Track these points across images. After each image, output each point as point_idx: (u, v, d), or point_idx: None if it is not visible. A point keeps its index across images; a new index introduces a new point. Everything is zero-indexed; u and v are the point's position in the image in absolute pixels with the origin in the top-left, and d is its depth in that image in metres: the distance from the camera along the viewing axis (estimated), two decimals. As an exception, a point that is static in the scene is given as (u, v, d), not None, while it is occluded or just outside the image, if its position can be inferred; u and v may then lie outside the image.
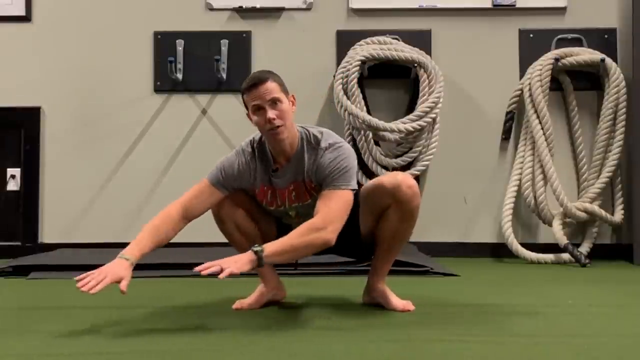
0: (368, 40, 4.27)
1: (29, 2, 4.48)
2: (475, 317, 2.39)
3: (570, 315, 2.45)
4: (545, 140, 4.16)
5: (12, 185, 4.47)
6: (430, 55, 4.30)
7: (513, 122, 4.36)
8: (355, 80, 4.12)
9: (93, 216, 4.43)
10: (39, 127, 4.45)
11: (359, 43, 4.26)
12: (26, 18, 4.48)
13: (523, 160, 4.24)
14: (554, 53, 4.27)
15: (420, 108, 4.11)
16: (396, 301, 2.49)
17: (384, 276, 2.52)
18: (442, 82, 4.14)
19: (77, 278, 2.09)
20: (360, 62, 4.14)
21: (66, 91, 4.47)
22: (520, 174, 4.24)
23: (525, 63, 4.35)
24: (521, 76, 4.35)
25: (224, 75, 4.37)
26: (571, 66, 4.26)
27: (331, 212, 2.22)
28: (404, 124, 4.08)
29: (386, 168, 4.16)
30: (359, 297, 2.62)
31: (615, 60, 4.27)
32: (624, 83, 4.18)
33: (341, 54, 4.33)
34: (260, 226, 2.46)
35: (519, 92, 4.30)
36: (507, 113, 4.35)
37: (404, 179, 2.36)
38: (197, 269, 2.06)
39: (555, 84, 4.31)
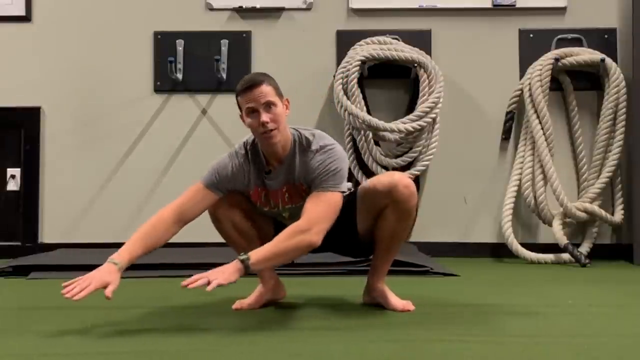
0: (368, 40, 4.27)
1: (29, 2, 4.48)
2: (475, 317, 2.39)
3: (570, 315, 2.45)
4: (545, 140, 4.16)
5: (12, 185, 4.47)
6: (430, 55, 4.30)
7: (513, 122, 4.36)
8: (355, 80, 4.12)
9: (93, 216, 4.43)
10: (39, 127, 4.45)
11: (359, 43, 4.26)
12: (26, 18, 4.48)
13: (523, 160, 4.24)
14: (554, 53, 4.27)
15: (420, 108, 4.11)
16: (396, 301, 2.49)
17: (383, 276, 2.52)
18: (442, 82, 4.14)
19: (64, 284, 2.10)
20: (360, 62, 4.14)
21: (66, 91, 4.47)
22: (520, 174, 4.24)
23: (525, 63, 4.35)
24: (521, 76, 4.35)
25: (224, 75, 4.37)
26: (571, 66, 4.26)
27: (317, 214, 2.22)
28: (404, 124, 4.08)
29: (386, 168, 4.16)
30: (359, 297, 2.62)
31: (615, 60, 4.27)
32: (624, 83, 4.18)
33: (341, 54, 4.33)
34: (257, 225, 2.46)
35: (519, 92, 4.30)
36: (507, 113, 4.35)
37: (401, 178, 2.36)
38: (184, 283, 2.05)
39: (555, 84, 4.31)
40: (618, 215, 4.21)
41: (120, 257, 2.19)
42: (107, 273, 2.14)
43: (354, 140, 4.22)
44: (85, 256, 3.83)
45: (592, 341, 2.02)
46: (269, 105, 2.27)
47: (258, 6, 4.44)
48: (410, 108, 4.24)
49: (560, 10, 4.43)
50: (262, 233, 2.44)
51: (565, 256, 4.07)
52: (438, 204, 4.38)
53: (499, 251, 4.31)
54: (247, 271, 2.13)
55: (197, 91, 4.45)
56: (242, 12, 4.47)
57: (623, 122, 4.16)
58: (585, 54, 4.25)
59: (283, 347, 1.95)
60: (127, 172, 4.44)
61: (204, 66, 4.40)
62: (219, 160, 2.39)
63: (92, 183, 4.44)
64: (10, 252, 4.18)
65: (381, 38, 4.29)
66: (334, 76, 4.20)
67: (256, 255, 2.15)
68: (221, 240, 2.52)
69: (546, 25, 4.41)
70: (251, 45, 4.45)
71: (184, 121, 4.45)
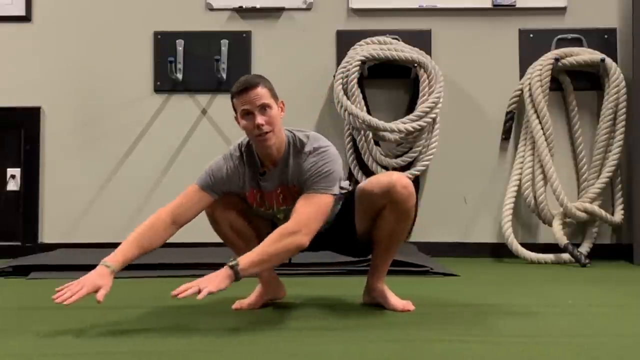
0: (368, 40, 4.27)
1: (29, 2, 4.48)
2: (475, 317, 2.39)
3: (570, 315, 2.45)
4: (545, 140, 4.16)
5: (12, 185, 4.47)
6: (430, 55, 4.30)
7: (513, 122, 4.36)
8: (355, 80, 4.12)
9: (93, 216, 4.43)
10: (39, 127, 4.45)
11: (359, 43, 4.27)
12: (26, 18, 4.48)
13: (523, 160, 4.24)
14: (554, 53, 4.27)
15: (420, 108, 4.11)
16: (396, 301, 2.49)
17: (383, 276, 2.52)
18: (442, 82, 4.14)
19: (56, 289, 2.10)
20: (360, 62, 4.14)
21: (66, 91, 4.47)
22: (520, 174, 4.24)
23: (525, 63, 4.35)
24: (521, 76, 4.35)
25: (224, 75, 4.37)
26: (571, 66, 4.26)
27: (306, 215, 2.22)
28: (404, 124, 4.08)
29: (386, 168, 4.16)
30: (359, 297, 2.62)
31: (615, 60, 4.27)
32: (624, 83, 4.18)
33: (341, 54, 4.33)
34: (254, 226, 2.46)
35: (519, 92, 4.30)
36: (507, 113, 4.35)
37: (399, 179, 2.36)
38: (174, 293, 2.04)
39: (555, 84, 4.31)
40: (618, 215, 4.21)
41: (113, 259, 2.19)
42: (99, 277, 2.14)
43: (354, 140, 4.22)
44: (85, 256, 3.83)
45: (592, 341, 2.02)
46: (264, 108, 2.27)
47: (258, 6, 4.44)
48: (410, 108, 4.24)
49: (560, 10, 4.43)
50: (259, 233, 2.44)
51: (565, 256, 4.07)
52: (438, 204, 4.38)
53: (499, 251, 4.31)
54: (238, 277, 2.11)
55: (197, 91, 4.45)
56: (242, 12, 4.47)
57: (623, 122, 4.16)
58: (585, 54, 4.25)
59: (283, 347, 1.95)
60: (127, 172, 4.44)
61: (204, 66, 4.40)
62: (214, 163, 2.39)
63: (92, 183, 4.44)
64: (10, 252, 4.18)
65: (381, 38, 4.29)
66: (334, 76, 4.20)
67: (245, 260, 2.14)
68: (219, 240, 2.52)
69: (546, 25, 4.41)
70: (251, 45, 4.45)
71: (184, 121, 4.46)
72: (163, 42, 4.45)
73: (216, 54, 4.35)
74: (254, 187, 2.39)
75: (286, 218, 2.36)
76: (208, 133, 4.43)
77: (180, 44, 4.41)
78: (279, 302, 2.63)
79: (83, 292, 2.08)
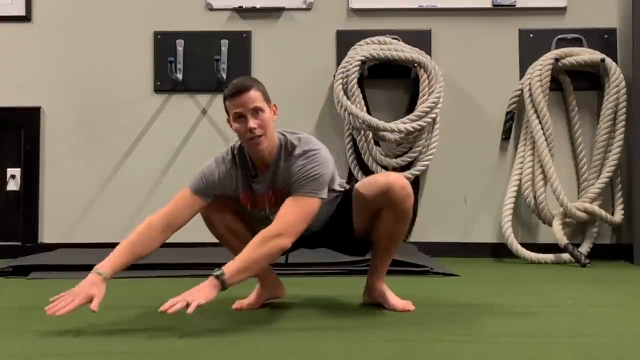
0: (368, 40, 4.27)
1: (29, 2, 4.48)
2: (475, 317, 2.39)
3: (570, 315, 2.45)
4: (545, 140, 4.16)
5: (12, 185, 4.47)
6: (430, 55, 4.30)
7: (513, 122, 4.36)
8: (355, 80, 4.12)
9: (93, 216, 4.43)
10: (39, 127, 4.45)
11: (359, 43, 4.27)
12: (26, 18, 4.48)
13: (523, 160, 4.24)
14: (554, 53, 4.27)
15: (420, 108, 4.11)
16: (396, 301, 2.49)
17: (383, 275, 2.53)
18: (442, 82, 4.14)
19: (50, 300, 2.11)
20: (360, 62, 4.14)
21: (66, 91, 4.47)
22: (520, 174, 4.24)
23: (525, 63, 4.35)
24: (521, 76, 4.35)
25: (224, 75, 4.37)
26: (571, 66, 4.26)
27: (288, 218, 2.21)
28: (404, 124, 4.08)
29: (386, 168, 4.16)
30: (359, 297, 2.62)
31: (615, 60, 4.27)
32: (624, 83, 4.18)
33: (341, 54, 4.33)
34: (249, 225, 2.45)
35: (519, 92, 4.30)
36: (507, 113, 4.35)
37: (397, 179, 2.36)
38: (162, 309, 2.03)
39: (555, 84, 4.31)
40: (618, 215, 4.21)
41: (106, 266, 2.19)
42: (92, 285, 2.14)
43: (354, 140, 4.22)
44: (85, 256, 3.82)
45: (592, 341, 2.02)
46: (256, 111, 2.25)
47: (258, 6, 4.44)
48: (410, 108, 4.24)
49: (560, 10, 4.43)
50: (255, 232, 2.41)
51: (565, 256, 4.07)
52: (438, 204, 4.38)
53: (499, 251, 4.31)
54: (224, 286, 2.11)
55: (197, 91, 4.45)
56: (242, 12, 4.47)
57: (623, 122, 4.16)
58: (585, 54, 4.25)
59: (282, 347, 1.96)
60: (127, 172, 4.44)
61: (204, 66, 4.40)
62: (206, 166, 2.37)
63: (92, 183, 4.44)
64: (10, 252, 4.18)
65: (381, 38, 4.29)
66: (334, 76, 4.21)
67: (230, 268, 2.13)
68: (217, 240, 2.52)
69: (546, 25, 4.41)
70: (251, 45, 4.45)
71: (184, 121, 4.45)
72: (163, 42, 4.45)
73: (216, 54, 4.35)
74: (247, 190, 2.38)
75: None
76: (208, 133, 4.44)
77: (180, 44, 4.41)
78: (279, 302, 2.63)
79: (75, 304, 2.10)
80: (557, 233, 4.09)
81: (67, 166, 4.45)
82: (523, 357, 1.86)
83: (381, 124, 4.05)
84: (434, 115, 4.13)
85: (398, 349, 1.94)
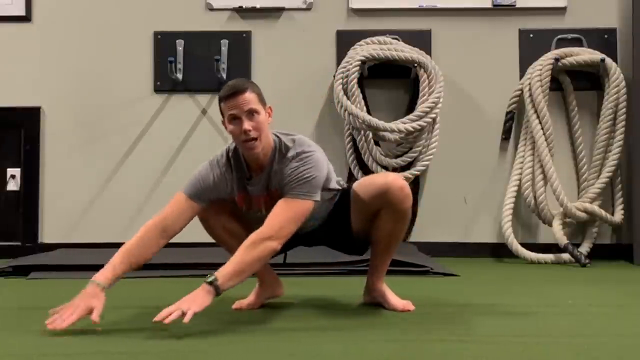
0: (368, 40, 4.27)
1: (29, 2, 4.48)
2: (475, 317, 2.39)
3: (570, 315, 2.45)
4: (545, 140, 4.16)
5: (12, 185, 4.47)
6: (430, 55, 4.30)
7: (513, 122, 4.36)
8: (355, 80, 4.12)
9: (93, 216, 4.43)
10: (39, 127, 4.45)
11: (359, 43, 4.27)
12: (26, 18, 4.48)
13: (523, 160, 4.24)
14: (554, 53, 4.27)
15: (420, 108, 4.11)
16: (396, 301, 2.49)
17: (383, 275, 2.53)
18: (442, 82, 4.14)
19: (50, 312, 2.12)
20: (360, 62, 4.14)
21: (66, 91, 4.47)
22: (520, 174, 4.24)
23: (525, 63, 4.35)
24: (521, 76, 4.35)
25: (224, 75, 4.37)
26: (571, 66, 4.26)
27: (279, 220, 2.20)
28: (404, 124, 4.08)
29: (386, 168, 4.16)
30: (359, 297, 2.62)
31: (615, 60, 4.27)
32: (624, 83, 4.18)
33: (341, 54, 4.33)
34: (246, 226, 2.44)
35: (519, 92, 4.30)
36: (507, 113, 4.35)
37: (395, 180, 2.35)
38: (157, 318, 2.02)
39: (555, 84, 4.31)
40: (618, 215, 4.21)
41: (103, 276, 2.19)
42: (91, 296, 2.14)
43: (354, 140, 4.22)
44: (85, 256, 3.83)
45: (592, 341, 2.02)
46: (251, 113, 2.24)
47: (258, 6, 4.44)
48: (410, 108, 4.24)
49: (560, 10, 4.43)
50: (252, 232, 2.41)
51: (565, 256, 4.07)
52: (438, 204, 4.38)
53: (499, 251, 4.31)
54: (218, 292, 2.10)
55: (197, 91, 4.45)
56: (242, 12, 4.47)
57: (623, 122, 4.16)
58: (585, 54, 4.25)
59: (282, 347, 1.96)
60: (127, 172, 4.44)
61: (204, 66, 4.40)
62: (200, 170, 2.36)
63: (92, 183, 4.44)
64: (10, 252, 4.18)
65: (381, 38, 4.29)
66: (334, 76, 4.20)
67: (223, 273, 2.12)
68: (213, 240, 2.52)
69: (546, 25, 4.41)
70: (251, 45, 4.45)
71: (184, 121, 4.45)
72: (163, 42, 4.45)
73: (216, 54, 4.35)
74: (242, 192, 2.37)
75: None
76: (208, 133, 4.43)
77: (180, 44, 4.41)
78: (279, 302, 2.63)
79: (75, 317, 2.10)
80: (557, 233, 4.09)
81: (67, 166, 4.45)
82: (523, 357, 1.86)
83: (381, 124, 4.05)
84: (434, 115, 4.13)
85: (398, 349, 1.94)
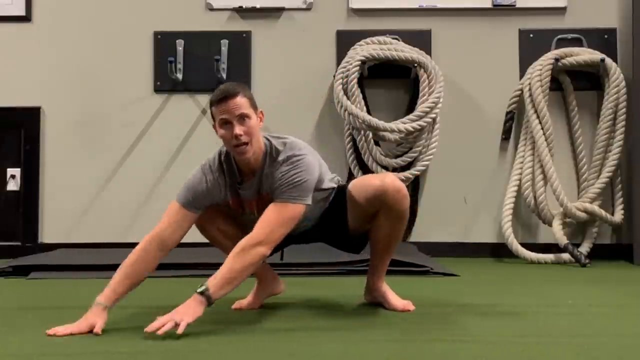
0: (368, 40, 4.27)
1: (29, 2, 4.48)
2: (475, 317, 2.39)
3: (570, 315, 2.45)
4: (545, 140, 4.16)
5: (12, 185, 4.47)
6: (430, 55, 4.30)
7: (513, 122, 4.36)
8: (355, 80, 4.12)
9: (93, 216, 4.43)
10: (39, 127, 4.45)
11: (359, 43, 4.26)
12: (26, 18, 4.48)
13: (523, 160, 4.24)
14: (554, 53, 4.27)
15: (420, 108, 4.11)
16: (396, 301, 2.49)
17: (383, 275, 2.53)
18: (442, 82, 4.14)
19: (50, 331, 2.11)
20: (360, 62, 4.14)
21: (66, 91, 4.47)
22: (520, 174, 4.24)
23: (525, 63, 4.35)
24: (521, 76, 4.35)
25: (224, 75, 4.37)
26: (571, 66, 4.26)
27: (269, 224, 2.18)
28: (404, 124, 4.08)
29: (386, 168, 4.16)
30: (359, 297, 2.62)
31: (615, 60, 4.27)
32: (624, 83, 4.18)
33: (341, 54, 4.33)
34: (242, 227, 2.43)
35: (519, 92, 4.30)
36: (507, 113, 4.35)
37: (391, 183, 2.35)
38: (149, 329, 2.02)
39: (555, 84, 4.31)
40: (618, 215, 4.21)
41: (105, 297, 2.18)
42: (94, 316, 2.14)
43: (354, 140, 4.22)
44: (85, 256, 3.83)
45: (592, 341, 2.02)
46: (242, 118, 2.23)
47: (258, 6, 4.44)
48: (410, 108, 4.24)
49: (560, 10, 4.43)
50: (247, 233, 2.40)
51: (565, 256, 4.07)
52: (438, 204, 4.38)
53: (499, 251, 4.30)
54: (210, 301, 2.10)
55: (197, 91, 4.45)
56: (242, 12, 4.47)
57: (623, 122, 4.16)
58: (585, 54, 4.25)
59: (282, 347, 1.96)
60: (127, 172, 4.44)
61: (204, 66, 4.40)
62: (193, 177, 2.34)
63: (92, 183, 4.44)
64: (10, 252, 4.18)
65: (381, 38, 4.29)
66: (334, 76, 4.20)
67: (214, 283, 2.11)
68: (209, 241, 2.52)
69: (546, 25, 4.41)
70: (251, 45, 4.45)
71: (184, 121, 4.45)
72: (163, 42, 4.45)
73: (216, 54, 4.35)
74: (234, 196, 2.37)
75: None
76: (208, 133, 4.42)
77: (180, 44, 4.41)
78: (278, 302, 2.63)
79: (75, 329, 2.10)
80: (557, 233, 4.09)
81: (67, 166, 4.45)
82: (523, 357, 1.86)
83: (381, 124, 4.05)
84: (434, 115, 4.13)
85: (398, 349, 1.94)
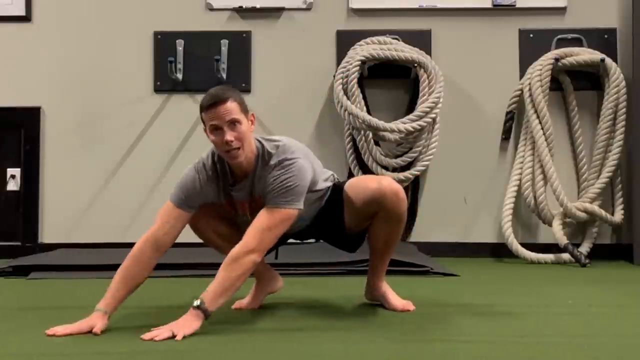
0: (368, 40, 4.27)
1: (29, 2, 4.48)
2: (475, 317, 2.39)
3: (570, 315, 2.45)
4: (545, 140, 4.16)
5: (12, 185, 4.47)
6: (430, 55, 4.29)
7: (513, 122, 4.36)
8: (355, 80, 4.12)
9: (93, 216, 4.43)
10: (39, 127, 4.45)
11: (359, 43, 4.26)
12: (26, 18, 4.48)
13: (523, 160, 4.24)
14: (554, 53, 4.26)
15: (420, 108, 4.11)
16: (396, 301, 2.50)
17: (383, 275, 2.53)
18: (442, 82, 4.14)
19: (49, 331, 2.11)
20: (360, 62, 4.14)
21: (66, 91, 4.47)
22: (520, 174, 4.23)
23: (525, 63, 4.35)
24: (521, 76, 4.35)
25: (224, 75, 4.37)
26: (571, 66, 4.26)
27: (260, 232, 2.17)
28: (404, 124, 4.08)
29: (386, 168, 4.16)
30: (359, 297, 2.62)
31: (615, 60, 4.27)
32: (624, 83, 4.18)
33: (341, 54, 4.33)
34: (237, 227, 2.43)
35: (519, 92, 4.30)
36: (507, 113, 4.35)
37: (389, 186, 2.35)
38: (146, 337, 2.02)
39: (555, 84, 4.31)
40: (618, 215, 4.20)
41: (104, 303, 2.18)
42: (94, 318, 2.14)
43: (354, 140, 4.22)
44: (85, 256, 3.83)
45: (592, 341, 2.02)
46: (233, 123, 2.21)
47: (258, 6, 4.44)
48: (410, 108, 4.24)
49: (560, 10, 4.43)
50: (241, 232, 2.39)
51: (565, 256, 4.07)
52: (438, 204, 4.38)
53: (499, 251, 4.30)
54: (207, 315, 2.10)
55: (197, 91, 4.44)
56: (242, 12, 4.47)
57: (623, 122, 4.16)
58: (585, 54, 4.25)
59: (282, 347, 1.96)
60: (127, 172, 4.44)
61: (204, 66, 4.39)
62: (185, 176, 2.33)
63: (92, 183, 4.44)
64: (10, 252, 4.18)
65: (381, 38, 4.29)
66: (334, 76, 4.20)
67: (209, 296, 2.11)
68: (204, 242, 2.52)
69: (546, 25, 4.41)
70: (251, 45, 4.45)
71: (184, 121, 4.45)
72: (163, 42, 4.45)
73: (216, 54, 4.35)
74: (227, 197, 2.36)
75: None
76: (208, 133, 4.43)
77: (180, 44, 4.41)
78: (278, 302, 2.63)
79: (75, 329, 2.11)
80: (557, 233, 4.09)
81: (67, 166, 4.45)
82: (523, 357, 1.86)
83: (381, 124, 4.05)
84: (434, 115, 4.13)
85: (398, 349, 1.94)
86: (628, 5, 4.30)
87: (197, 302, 2.10)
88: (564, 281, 3.41)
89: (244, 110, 2.27)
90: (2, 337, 2.11)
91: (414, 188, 4.34)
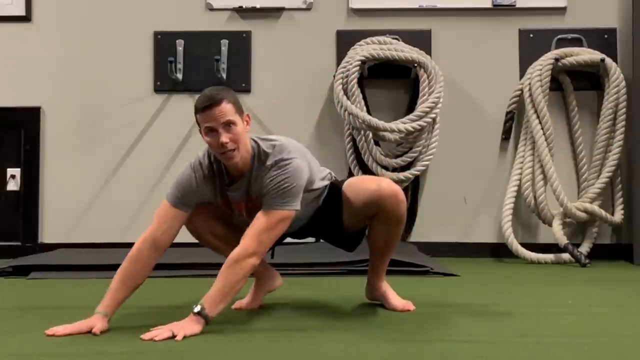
0: (368, 40, 4.27)
1: (29, 2, 4.48)
2: (475, 317, 2.39)
3: (570, 315, 2.45)
4: (545, 140, 4.16)
5: (12, 185, 4.47)
6: (430, 55, 4.29)
7: (513, 122, 4.36)
8: (355, 80, 4.12)
9: (93, 216, 4.43)
10: (39, 127, 4.45)
11: (359, 43, 4.26)
12: (26, 18, 4.48)
13: (523, 160, 4.24)
14: (554, 53, 4.27)
15: (420, 108, 4.11)
16: (396, 301, 2.50)
17: (383, 274, 2.53)
18: (442, 82, 4.14)
19: (49, 331, 2.11)
20: (360, 62, 4.14)
21: (66, 91, 4.47)
22: (520, 174, 4.23)
23: (525, 63, 4.35)
24: (521, 76, 4.35)
25: (224, 75, 4.37)
26: (571, 66, 4.26)
27: (259, 235, 2.17)
28: (404, 124, 4.08)
29: (386, 168, 4.16)
30: (359, 297, 2.62)
31: (615, 60, 4.27)
32: (624, 83, 4.18)
33: (341, 54, 4.33)
34: (234, 227, 2.43)
35: (519, 92, 4.30)
36: (507, 113, 4.35)
37: (388, 187, 2.35)
38: (146, 337, 2.02)
39: (555, 84, 4.31)
40: (618, 215, 4.20)
41: (104, 305, 2.18)
42: (95, 320, 2.14)
43: (354, 140, 4.22)
44: (85, 256, 3.83)
45: (592, 341, 2.02)
46: (228, 125, 2.20)
47: (258, 6, 4.44)
48: (410, 108, 4.24)
49: (560, 10, 4.43)
50: (238, 231, 2.36)
51: (565, 256, 4.07)
52: (438, 204, 4.38)
53: (499, 251, 4.30)
54: (207, 320, 2.10)
55: (197, 91, 4.38)
56: (242, 12, 4.47)
57: (623, 122, 4.16)
58: (585, 54, 4.25)
59: (282, 347, 1.96)
60: (127, 172, 4.44)
61: (204, 66, 4.39)
62: (182, 174, 2.33)
63: (92, 183, 4.44)
64: (10, 252, 4.18)
65: (381, 38, 4.29)
66: (334, 76, 4.20)
67: (210, 301, 2.12)
68: (200, 243, 2.52)
69: (546, 25, 4.41)
70: (251, 45, 4.44)
71: (184, 121, 4.44)
72: (163, 42, 4.45)
73: (216, 54, 4.35)
74: (223, 197, 2.36)
75: None
76: (208, 133, 4.43)
77: (180, 44, 4.41)
78: (278, 302, 2.63)
79: (75, 329, 2.11)
80: (557, 233, 4.09)
81: (67, 166, 4.45)
82: (523, 357, 1.86)
83: (381, 124, 4.05)
84: (434, 115, 4.13)
85: (398, 349, 1.94)
86: (628, 5, 4.30)
87: (197, 308, 2.10)
88: (564, 281, 3.41)
89: (239, 110, 2.25)
90: (2, 337, 2.11)
91: (414, 188, 4.34)
